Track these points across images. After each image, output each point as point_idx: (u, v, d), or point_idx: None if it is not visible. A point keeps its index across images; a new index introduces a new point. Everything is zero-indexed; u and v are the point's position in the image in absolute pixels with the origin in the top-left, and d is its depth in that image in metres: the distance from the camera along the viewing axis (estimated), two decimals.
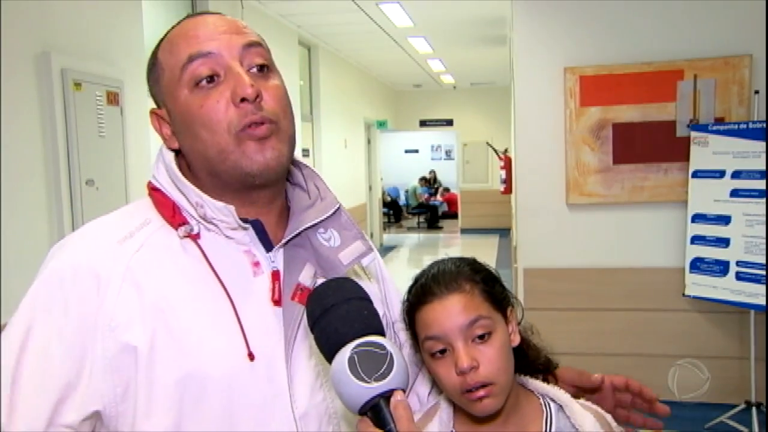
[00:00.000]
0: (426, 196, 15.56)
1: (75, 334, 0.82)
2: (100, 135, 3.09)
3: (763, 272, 3.25)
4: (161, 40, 0.94)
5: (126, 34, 3.45)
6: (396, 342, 1.05)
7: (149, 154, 3.53)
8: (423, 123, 13.44)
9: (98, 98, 3.08)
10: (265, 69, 0.91)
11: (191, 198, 0.90)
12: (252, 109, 0.86)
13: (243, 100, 0.86)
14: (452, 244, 12.20)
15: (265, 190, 0.92)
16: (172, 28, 0.95)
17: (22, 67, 2.70)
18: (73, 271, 0.83)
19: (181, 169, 0.92)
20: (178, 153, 0.95)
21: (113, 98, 3.19)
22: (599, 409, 1.05)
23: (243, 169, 0.87)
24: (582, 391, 1.12)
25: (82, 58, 3.04)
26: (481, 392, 0.93)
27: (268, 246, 0.93)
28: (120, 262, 0.85)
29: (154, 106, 0.96)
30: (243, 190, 0.90)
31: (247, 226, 0.90)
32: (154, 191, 0.94)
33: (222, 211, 0.88)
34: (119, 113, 3.24)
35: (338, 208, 0.96)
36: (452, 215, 14.42)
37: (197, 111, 0.87)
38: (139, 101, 3.46)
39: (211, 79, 0.88)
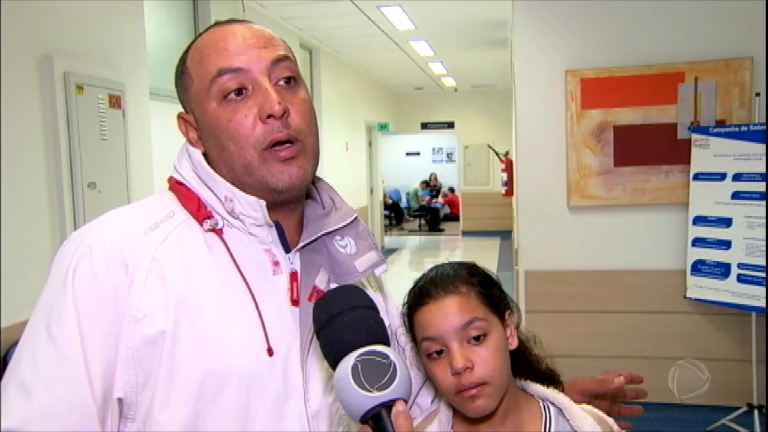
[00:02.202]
0: (427, 198, 15.57)
1: (110, 325, 0.83)
2: (102, 138, 3.10)
3: (764, 274, 3.25)
4: (189, 47, 0.96)
5: (128, 37, 3.46)
6: (397, 347, 1.06)
7: (151, 157, 3.54)
8: (424, 125, 13.46)
9: (100, 101, 3.09)
10: (292, 81, 0.93)
11: (220, 192, 0.91)
12: (278, 126, 0.88)
13: (270, 116, 0.88)
14: (454, 247, 12.20)
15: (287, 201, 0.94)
16: (200, 35, 0.96)
17: (24, 71, 2.70)
18: (104, 261, 0.84)
19: None
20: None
21: (115, 101, 3.20)
22: (600, 413, 1.06)
23: (269, 185, 0.90)
24: (600, 397, 1.14)
25: (85, 61, 3.05)
26: (473, 391, 0.94)
27: (286, 249, 0.95)
28: (146, 252, 0.86)
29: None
30: (265, 200, 0.92)
31: (272, 223, 0.92)
32: (178, 185, 0.95)
33: (252, 205, 0.90)
34: (121, 116, 3.25)
35: (356, 217, 0.99)
36: (454, 218, 14.42)
37: (226, 124, 0.89)
38: (141, 104, 3.47)
39: (239, 92, 0.89)
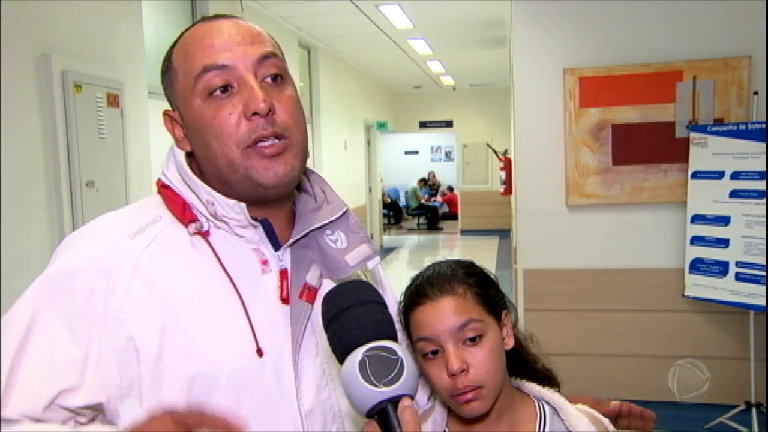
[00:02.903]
0: (426, 197, 15.56)
1: (83, 325, 0.82)
2: (101, 137, 3.10)
3: (763, 273, 3.26)
4: (175, 43, 0.94)
5: (126, 36, 3.45)
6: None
7: (149, 156, 3.53)
8: (423, 124, 13.45)
9: (98, 100, 3.08)
10: (279, 78, 0.91)
11: (202, 196, 0.90)
12: (263, 123, 0.87)
13: (255, 114, 0.86)
14: (452, 246, 12.20)
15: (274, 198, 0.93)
16: (186, 30, 0.94)
17: (22, 69, 2.70)
18: (83, 264, 0.84)
19: (191, 170, 0.93)
20: (189, 154, 0.95)
21: (113, 100, 3.19)
22: (595, 413, 1.05)
23: (254, 179, 0.88)
24: None
25: (83, 59, 3.04)
26: (470, 395, 0.94)
27: (276, 246, 0.94)
28: (130, 256, 0.85)
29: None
30: (253, 197, 0.91)
31: (256, 224, 0.91)
32: (164, 188, 0.95)
33: (233, 208, 0.89)
34: (119, 115, 3.24)
35: (346, 210, 0.97)
36: (452, 216, 14.42)
37: (210, 122, 0.88)
38: (139, 103, 3.47)
39: (224, 89, 0.88)
